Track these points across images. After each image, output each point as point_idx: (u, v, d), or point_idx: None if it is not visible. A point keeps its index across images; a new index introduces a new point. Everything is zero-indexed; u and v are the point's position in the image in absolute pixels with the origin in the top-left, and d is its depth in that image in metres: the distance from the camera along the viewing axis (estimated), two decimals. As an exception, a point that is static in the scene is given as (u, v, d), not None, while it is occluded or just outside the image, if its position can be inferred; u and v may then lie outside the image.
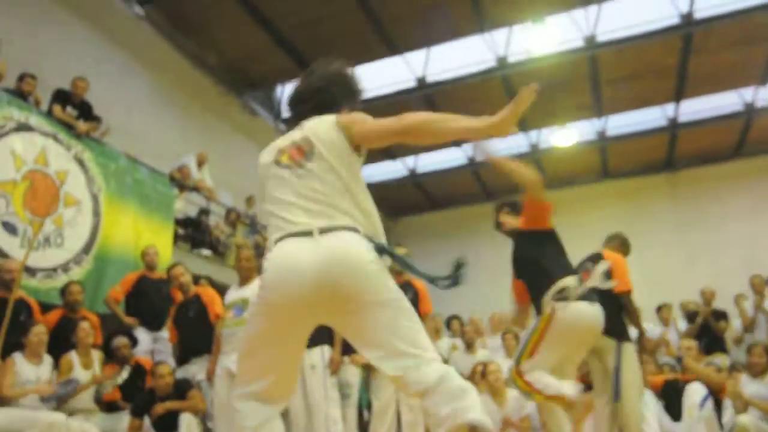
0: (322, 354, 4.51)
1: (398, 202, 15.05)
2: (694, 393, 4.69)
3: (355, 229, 1.94)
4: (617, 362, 4.07)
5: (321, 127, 2.08)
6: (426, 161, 14.30)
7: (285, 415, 4.53)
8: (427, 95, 11.44)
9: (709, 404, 4.69)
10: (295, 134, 2.13)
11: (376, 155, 12.56)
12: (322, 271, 1.84)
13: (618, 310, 4.31)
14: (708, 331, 7.58)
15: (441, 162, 14.13)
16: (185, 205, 8.71)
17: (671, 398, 4.91)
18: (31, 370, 4.44)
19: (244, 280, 4.72)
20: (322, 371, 4.47)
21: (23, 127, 5.80)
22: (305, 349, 4.47)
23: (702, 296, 8.07)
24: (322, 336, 4.42)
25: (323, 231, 1.90)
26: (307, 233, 1.90)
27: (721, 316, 7.82)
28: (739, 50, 10.06)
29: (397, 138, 2.00)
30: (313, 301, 1.86)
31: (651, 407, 4.79)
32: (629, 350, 4.18)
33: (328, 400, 4.47)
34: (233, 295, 4.68)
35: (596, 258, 4.46)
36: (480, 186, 14.54)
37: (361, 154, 2.08)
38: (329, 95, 2.19)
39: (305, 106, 2.21)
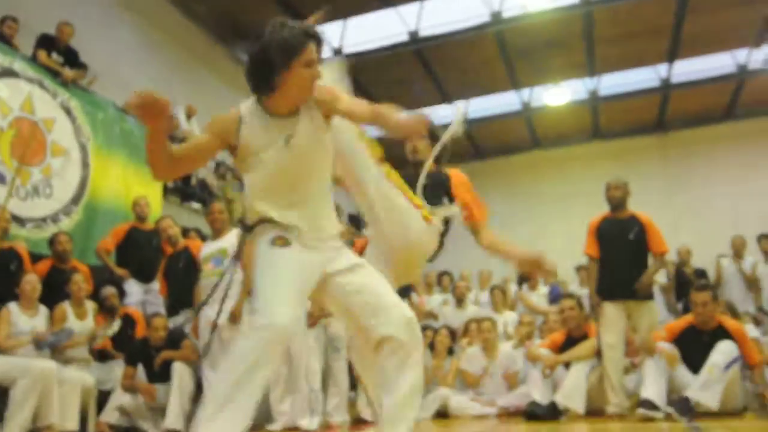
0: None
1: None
2: (721, 353, 4.21)
3: None
4: None
5: None
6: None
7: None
8: (419, 50, 11.26)
9: (737, 367, 4.24)
10: None
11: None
12: None
13: None
14: (687, 290, 7.68)
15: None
16: (174, 158, 8.61)
17: (689, 347, 4.39)
18: (27, 321, 4.45)
19: (217, 233, 4.81)
20: (304, 324, 4.54)
21: (7, 72, 5.65)
22: None
23: (678, 255, 8.15)
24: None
25: None
26: None
27: (701, 275, 7.93)
28: (735, 11, 9.96)
29: None
30: None
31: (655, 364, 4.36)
32: None
33: (308, 351, 4.56)
34: (210, 247, 4.78)
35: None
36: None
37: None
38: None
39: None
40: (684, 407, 4.08)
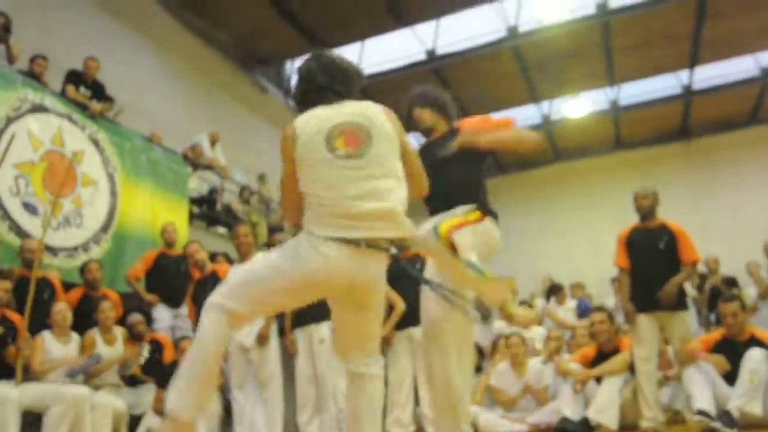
0: (329, 328, 4.60)
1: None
2: (755, 359, 4.14)
3: None
4: None
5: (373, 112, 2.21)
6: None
7: (293, 386, 4.65)
8: (437, 68, 11.34)
9: None
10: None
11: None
12: None
13: None
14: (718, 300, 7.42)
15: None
16: (199, 184, 8.78)
17: (726, 359, 4.35)
18: (60, 349, 4.54)
19: (243, 256, 4.85)
20: (329, 345, 4.56)
21: (38, 108, 5.85)
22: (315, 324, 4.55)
23: (706, 265, 7.88)
24: (328, 312, 4.51)
25: None
26: None
27: (732, 283, 7.67)
28: (755, 13, 9.85)
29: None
30: None
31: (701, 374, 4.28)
32: None
33: (335, 372, 4.57)
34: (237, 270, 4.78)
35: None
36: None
37: None
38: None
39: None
40: (728, 420, 3.97)
